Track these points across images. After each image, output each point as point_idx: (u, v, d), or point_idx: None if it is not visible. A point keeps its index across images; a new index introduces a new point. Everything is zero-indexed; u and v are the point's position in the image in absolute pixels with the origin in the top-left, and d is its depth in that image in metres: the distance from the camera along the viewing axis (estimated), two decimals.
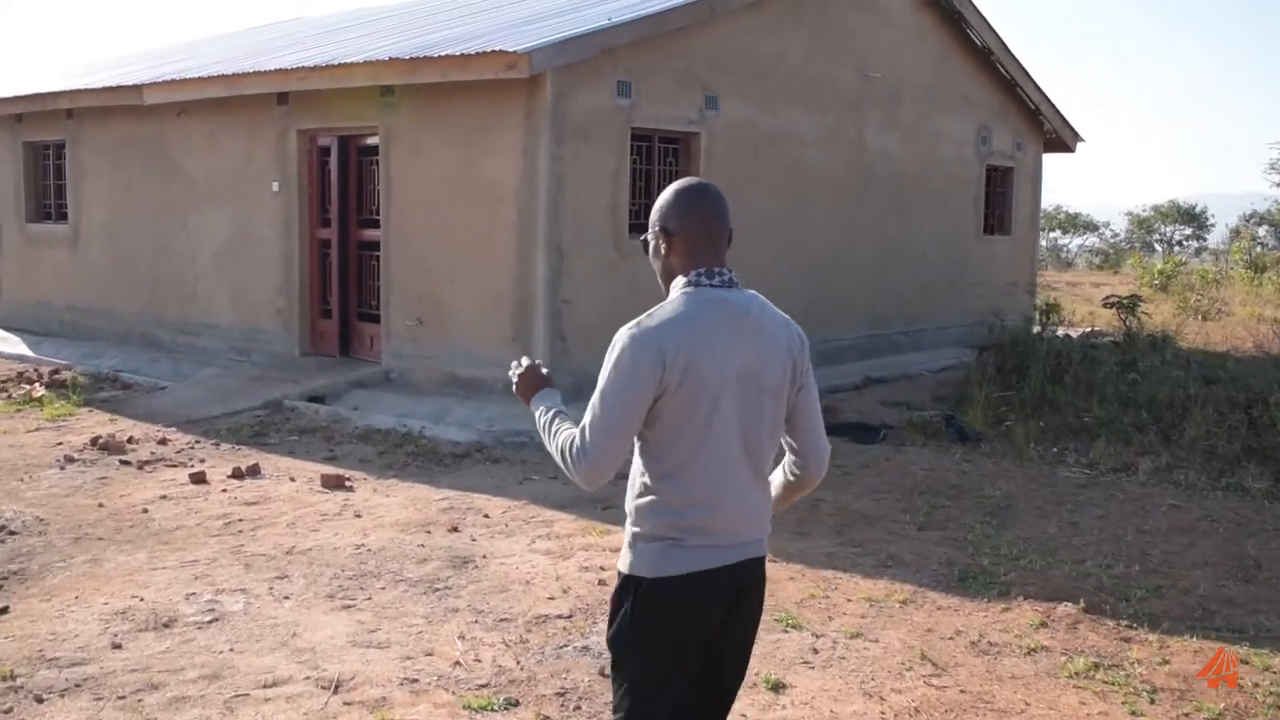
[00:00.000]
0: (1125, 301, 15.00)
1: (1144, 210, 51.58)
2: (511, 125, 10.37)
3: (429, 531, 6.92)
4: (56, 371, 12.88)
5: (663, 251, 2.88)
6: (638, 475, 2.81)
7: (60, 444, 9.30)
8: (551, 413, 2.89)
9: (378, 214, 11.79)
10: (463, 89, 10.55)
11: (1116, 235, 52.25)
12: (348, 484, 8.06)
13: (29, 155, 16.04)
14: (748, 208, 12.12)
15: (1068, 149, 18.98)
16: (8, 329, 16.06)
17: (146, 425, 10.04)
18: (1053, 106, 17.86)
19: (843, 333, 13.99)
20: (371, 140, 11.80)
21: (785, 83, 12.84)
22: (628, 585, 2.77)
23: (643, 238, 2.97)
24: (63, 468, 8.49)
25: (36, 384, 11.64)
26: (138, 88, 13.02)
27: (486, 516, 7.32)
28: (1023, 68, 16.89)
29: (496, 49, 9.74)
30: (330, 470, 8.43)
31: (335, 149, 12.10)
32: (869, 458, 9.09)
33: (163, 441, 9.38)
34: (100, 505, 7.49)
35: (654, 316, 2.74)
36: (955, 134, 16.01)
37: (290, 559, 6.40)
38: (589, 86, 10.51)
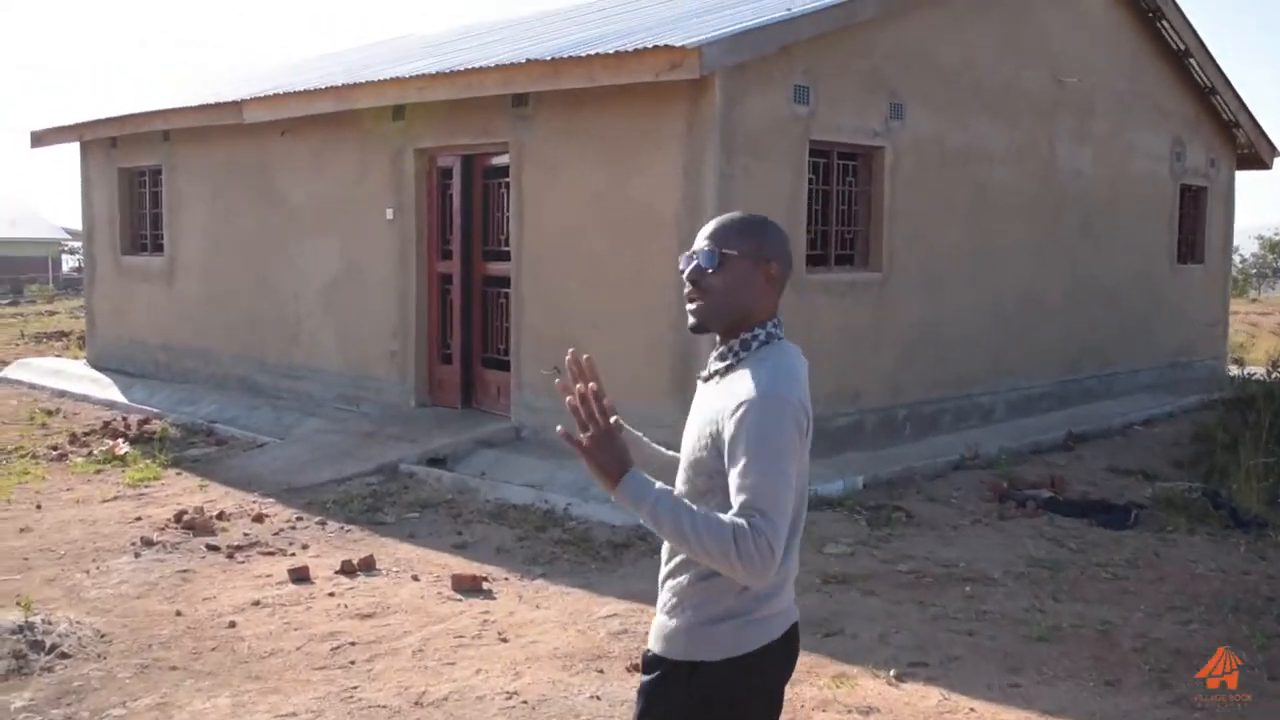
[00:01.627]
0: None
1: None
2: (671, 138, 8.68)
3: (601, 671, 5.19)
4: (146, 421, 11.50)
5: (757, 285, 2.48)
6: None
7: (139, 519, 7.79)
8: (670, 498, 2.28)
9: (506, 245, 10.20)
10: (611, 96, 8.90)
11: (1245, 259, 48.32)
12: (485, 587, 6.38)
13: (124, 182, 14.84)
14: (934, 238, 10.36)
15: (1264, 165, 16.79)
16: (100, 369, 14.83)
17: (241, 494, 8.51)
18: (1250, 117, 15.71)
19: (1033, 380, 12.04)
20: (500, 159, 10.22)
21: (974, 89, 10.98)
22: (682, 674, 2.44)
23: (722, 251, 2.46)
24: (138, 554, 6.96)
25: (120, 440, 10.21)
26: (237, 104, 11.64)
27: None
28: (1222, 73, 14.79)
29: (659, 44, 8.05)
30: (462, 565, 6.77)
31: (458, 170, 10.55)
32: (1132, 551, 7.16)
33: (259, 518, 7.82)
34: (178, 613, 5.91)
35: (782, 371, 2.39)
36: (1149, 149, 13.97)
37: (420, 716, 4.71)
38: (762, 91, 8.79)
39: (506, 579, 6.57)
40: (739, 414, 2.31)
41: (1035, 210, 11.95)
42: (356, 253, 11.34)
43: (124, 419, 11.69)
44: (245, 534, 7.47)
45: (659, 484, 2.30)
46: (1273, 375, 12.88)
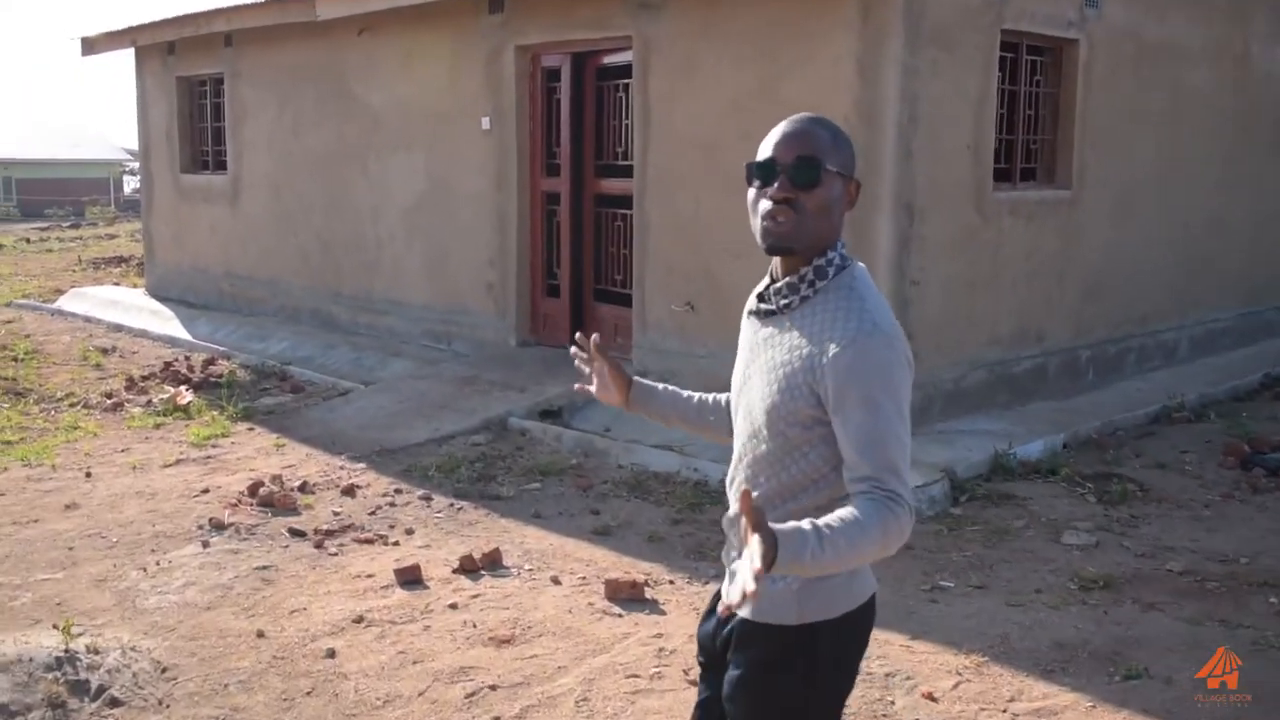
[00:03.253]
0: None
1: None
2: (840, 27, 7.09)
3: None
4: (211, 361, 10.22)
5: (843, 205, 2.16)
6: (810, 504, 2.11)
7: (206, 491, 6.50)
8: (820, 536, 1.85)
9: (626, 159, 8.72)
10: None
11: None
12: (648, 595, 5.00)
13: (184, 92, 13.44)
14: (1125, 150, 8.77)
15: None
16: (160, 299, 13.59)
17: (325, 457, 7.18)
18: None
19: (1217, 313, 10.39)
20: (619, 58, 8.68)
21: None
22: (804, 639, 2.16)
23: (825, 166, 2.11)
24: (206, 543, 5.65)
25: (183, 386, 8.92)
26: None
27: (910, 681, 4.18)
28: None
29: None
30: (610, 560, 5.41)
31: (567, 71, 9.02)
32: None
33: (349, 490, 6.49)
34: (260, 634, 4.59)
35: (878, 300, 2.12)
36: None
37: None
38: None
39: (671, 582, 5.19)
40: (846, 356, 2.02)
41: (1228, 121, 10.20)
42: (447, 168, 9.89)
43: (186, 358, 10.43)
44: (335, 512, 6.14)
45: (800, 524, 1.85)
46: None
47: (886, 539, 1.93)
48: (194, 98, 13.42)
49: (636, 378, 2.60)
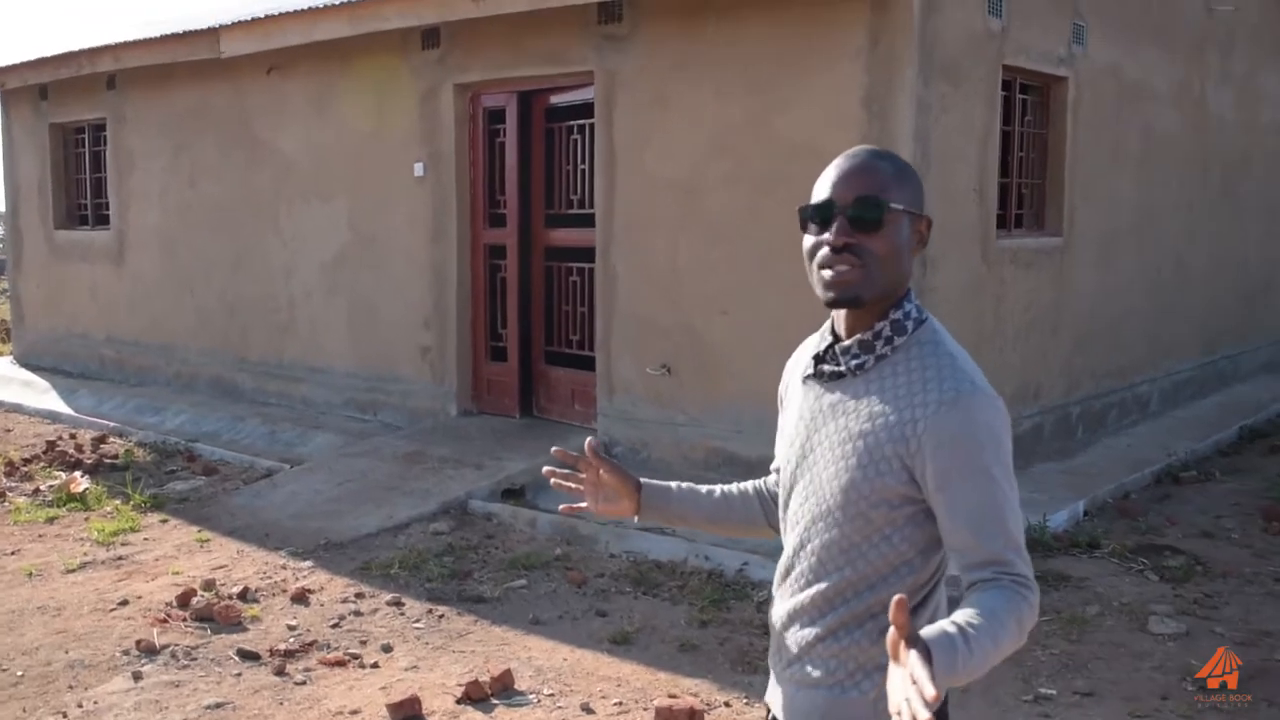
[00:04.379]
0: None
1: None
2: (844, 55, 6.41)
3: None
4: (102, 439, 9.00)
5: (911, 248, 1.87)
6: (890, 596, 1.69)
7: (125, 603, 5.38)
8: (972, 632, 1.60)
9: (582, 207, 7.90)
10: (748, 2, 6.63)
11: None
12: None
13: (58, 141, 12.16)
14: (1108, 199, 8.31)
15: None
16: (32, 367, 12.20)
17: (261, 554, 6.12)
18: None
19: (1181, 363, 9.99)
20: (573, 96, 7.88)
21: (1143, 8, 8.86)
22: None
23: (891, 205, 1.83)
24: (138, 675, 4.57)
25: (77, 472, 7.70)
26: (212, 33, 9.10)
27: None
28: None
29: None
30: (641, 676, 4.51)
31: (513, 111, 8.17)
32: None
33: (301, 596, 5.44)
34: None
35: (968, 359, 1.83)
36: (1273, 94, 11.98)
37: None
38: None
39: (727, 704, 4.30)
40: (950, 422, 1.73)
41: (1189, 162, 9.89)
42: (373, 220, 8.91)
43: (72, 436, 9.17)
44: (290, 626, 5.10)
45: (945, 627, 1.58)
46: None
47: (1022, 631, 1.69)
48: (70, 146, 12.15)
49: (645, 480, 2.17)
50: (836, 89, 6.42)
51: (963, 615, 1.63)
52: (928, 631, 1.56)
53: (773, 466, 2.14)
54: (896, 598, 1.47)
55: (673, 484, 2.20)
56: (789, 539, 1.94)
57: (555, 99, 8.08)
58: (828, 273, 1.83)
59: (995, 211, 7.08)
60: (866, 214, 1.81)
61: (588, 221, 7.82)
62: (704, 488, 2.21)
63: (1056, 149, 7.83)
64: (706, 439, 7.13)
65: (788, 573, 1.94)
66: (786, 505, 1.96)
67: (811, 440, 1.89)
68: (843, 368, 1.87)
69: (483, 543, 6.23)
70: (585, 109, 7.79)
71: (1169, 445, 8.34)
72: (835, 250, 1.82)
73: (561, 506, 2.23)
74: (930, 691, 1.40)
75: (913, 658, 1.45)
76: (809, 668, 1.90)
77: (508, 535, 6.35)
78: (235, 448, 8.56)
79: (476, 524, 6.54)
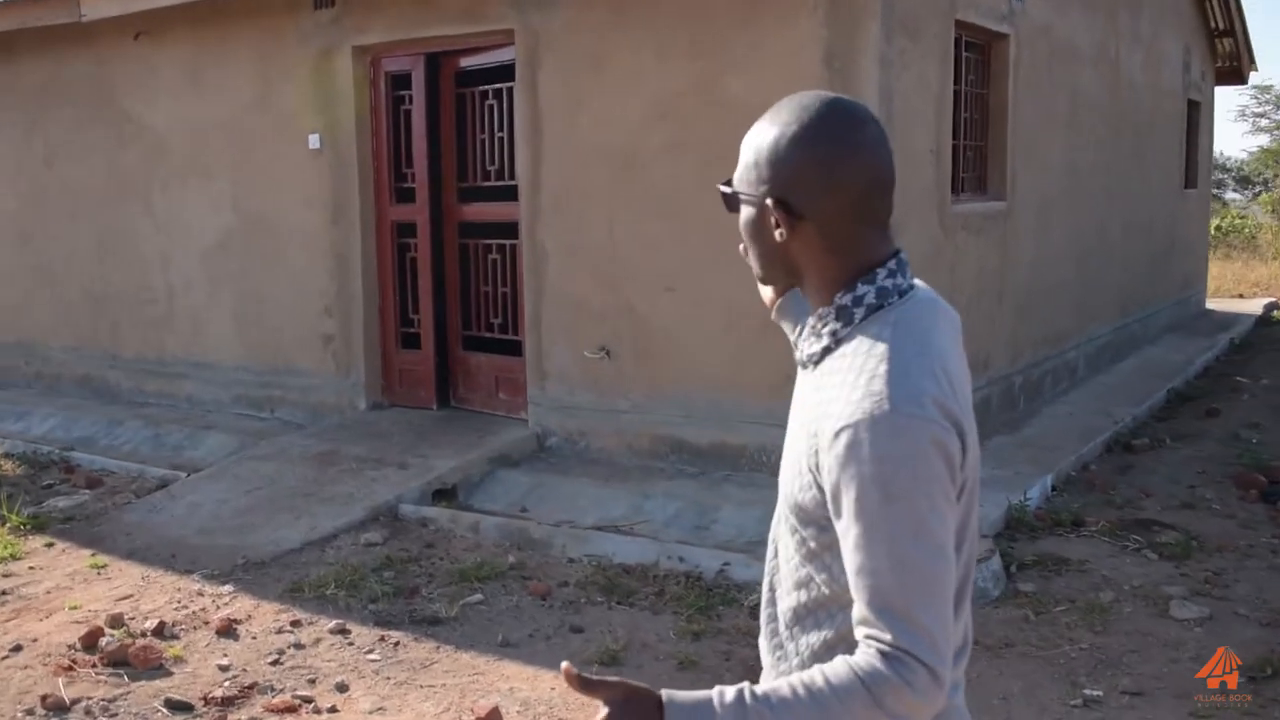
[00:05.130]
0: None
1: None
2: (801, 9, 5.92)
3: None
4: None
5: (780, 236, 1.57)
6: (830, 638, 1.57)
7: (18, 648, 4.60)
8: (761, 708, 1.39)
9: (500, 178, 7.26)
10: None
11: None
12: None
13: None
14: (1042, 162, 8.07)
15: (1240, 80, 15.25)
16: None
17: (170, 578, 5.37)
18: (1244, 24, 14.02)
19: (1101, 326, 9.89)
20: (486, 58, 7.23)
21: None
22: None
23: (730, 196, 1.64)
24: None
25: None
26: None
27: None
28: None
29: None
30: None
31: (420, 76, 7.47)
32: None
33: (227, 629, 4.74)
34: None
35: (906, 358, 1.46)
36: (1171, 57, 12.01)
37: None
38: None
39: None
40: (839, 447, 1.42)
41: (1107, 126, 9.75)
42: (262, 199, 8.10)
43: None
44: (222, 666, 4.40)
45: (725, 692, 1.39)
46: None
47: (867, 712, 1.37)
48: None
49: (667, 694, 1.46)
50: (794, 47, 5.93)
51: (778, 683, 1.41)
52: (683, 695, 1.39)
53: None
54: (563, 665, 1.38)
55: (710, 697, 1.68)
56: (769, 546, 1.70)
57: (466, 61, 7.41)
58: None
59: (949, 173, 6.71)
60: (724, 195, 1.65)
61: (507, 195, 7.20)
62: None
63: (999, 110, 7.50)
64: (652, 426, 6.60)
65: (769, 586, 1.68)
66: None
67: (788, 438, 1.64)
68: (802, 355, 1.62)
69: (423, 553, 5.58)
70: (502, 72, 7.14)
71: (1106, 411, 8.20)
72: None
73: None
74: None
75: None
76: None
77: (449, 543, 5.72)
78: (117, 455, 7.70)
79: (412, 531, 5.89)
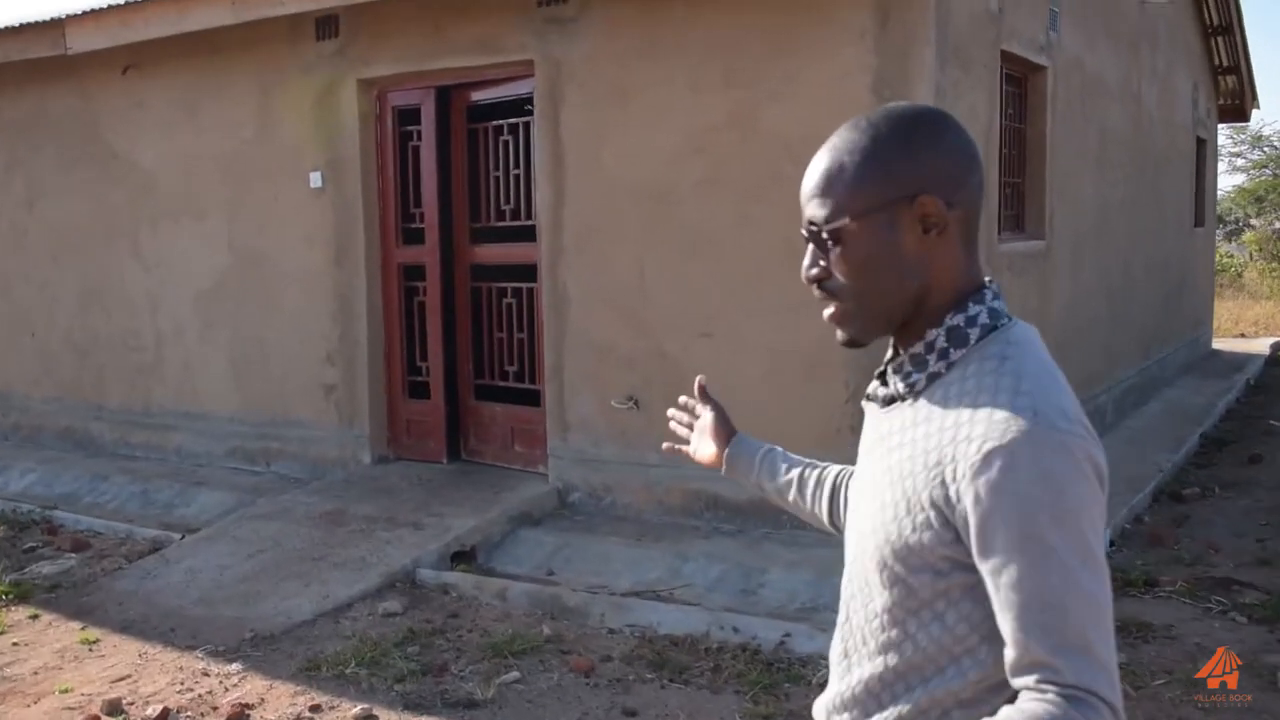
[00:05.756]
0: None
1: None
2: (848, 35, 5.57)
3: None
4: None
5: (910, 245, 1.41)
6: (949, 694, 1.39)
7: None
8: None
9: (516, 218, 6.87)
10: None
11: None
12: None
13: None
14: (1076, 200, 7.77)
15: (1242, 118, 15.11)
16: None
17: (171, 654, 4.88)
18: (1249, 61, 13.85)
19: (1125, 369, 9.54)
20: (504, 91, 6.85)
21: (1096, 2, 8.33)
22: None
23: (832, 224, 1.42)
24: None
25: None
26: (57, 25, 7.72)
27: None
28: (1240, 9, 12.80)
29: None
30: None
31: (430, 110, 7.08)
32: None
33: (239, 716, 4.26)
34: None
35: (1043, 375, 1.37)
36: (1181, 92, 11.78)
37: None
38: None
39: None
40: (990, 467, 1.27)
41: (1131, 161, 9.47)
42: (260, 239, 7.66)
43: None
44: None
45: None
46: None
47: None
48: None
49: (738, 434, 1.95)
50: (839, 75, 5.56)
51: None
52: None
53: None
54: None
55: (763, 447, 1.92)
56: (841, 600, 1.53)
57: (479, 95, 7.02)
58: (824, 313, 1.48)
59: (996, 210, 6.36)
60: (819, 239, 1.44)
61: (523, 235, 6.81)
62: (790, 460, 1.90)
63: (1036, 145, 7.18)
64: (685, 481, 6.17)
65: (843, 653, 1.51)
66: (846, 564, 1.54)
67: (862, 480, 1.51)
68: (897, 388, 1.46)
69: (448, 624, 5.12)
70: (518, 106, 6.78)
71: (1145, 459, 7.83)
72: (813, 287, 1.47)
73: (665, 445, 2.07)
74: None
75: None
76: None
77: (476, 612, 5.26)
78: (103, 513, 7.20)
79: (433, 599, 5.42)
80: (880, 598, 1.42)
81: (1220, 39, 13.08)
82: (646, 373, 6.26)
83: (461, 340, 7.25)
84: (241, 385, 7.86)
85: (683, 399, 2.06)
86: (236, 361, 7.86)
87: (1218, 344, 14.72)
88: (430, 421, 7.28)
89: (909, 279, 1.42)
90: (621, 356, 6.32)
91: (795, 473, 1.87)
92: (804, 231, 1.46)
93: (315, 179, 7.32)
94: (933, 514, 1.34)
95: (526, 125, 6.77)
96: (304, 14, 6.97)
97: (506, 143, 6.91)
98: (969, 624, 1.36)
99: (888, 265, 1.41)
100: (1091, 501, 1.30)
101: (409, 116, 7.19)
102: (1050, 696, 1.23)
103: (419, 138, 7.16)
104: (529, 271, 6.83)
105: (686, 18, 5.95)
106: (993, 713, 1.31)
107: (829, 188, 1.42)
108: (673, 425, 2.06)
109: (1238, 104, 14.42)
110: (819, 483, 1.85)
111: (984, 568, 1.30)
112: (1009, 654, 1.29)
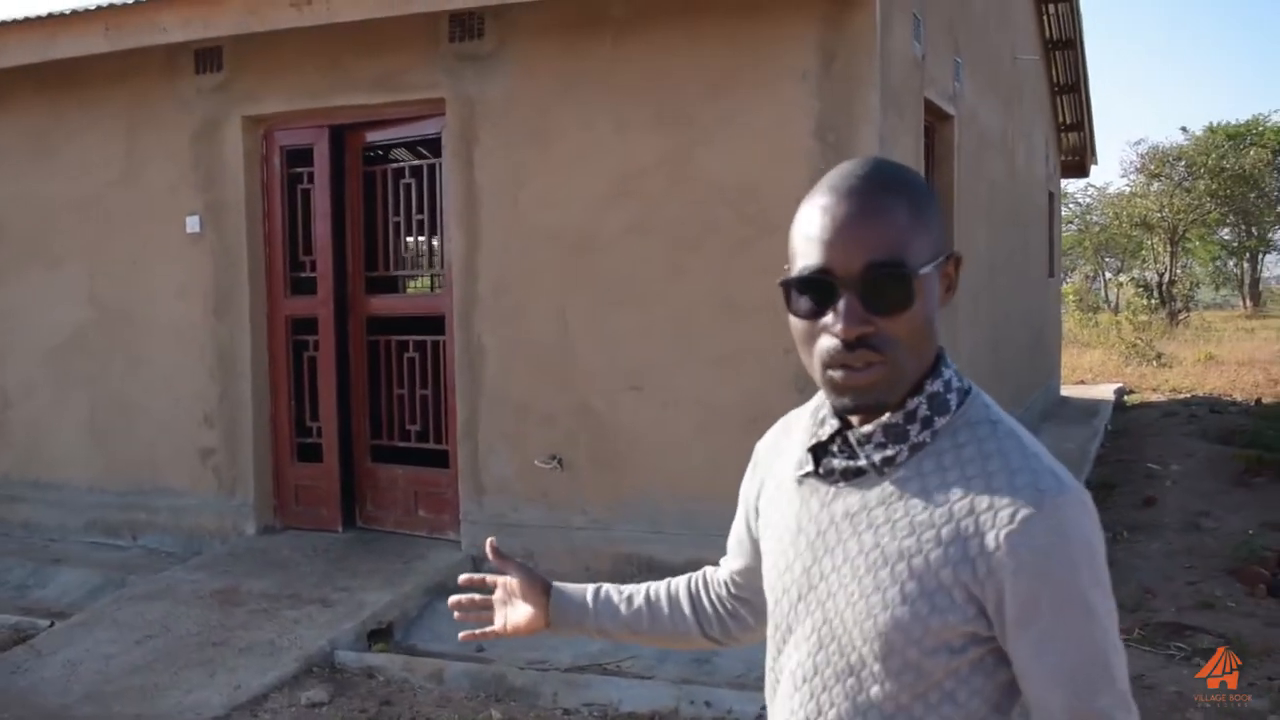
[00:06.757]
0: None
1: None
2: (788, 78, 5.39)
3: None
4: None
5: (940, 299, 1.39)
6: None
7: None
8: None
9: (417, 266, 6.44)
10: (657, 15, 5.53)
11: None
12: None
13: None
14: (973, 249, 7.78)
15: (1081, 173, 15.75)
16: None
17: None
18: (1091, 118, 14.45)
19: None
20: (410, 131, 6.45)
21: (982, 54, 8.46)
22: None
23: (918, 272, 1.31)
24: None
25: None
26: None
27: None
28: (1086, 69, 13.36)
29: None
30: None
31: (324, 151, 6.60)
32: None
33: None
34: None
35: (1031, 438, 1.37)
36: (1038, 147, 12.17)
37: None
38: (901, 18, 5.74)
39: None
40: (1034, 535, 1.25)
41: (1008, 214, 9.64)
42: (126, 290, 7.00)
43: None
44: None
45: None
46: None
47: None
48: None
49: (555, 584, 1.78)
50: (780, 118, 5.37)
51: None
52: None
53: (724, 564, 1.74)
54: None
55: (589, 587, 1.79)
56: (790, 704, 1.42)
57: (376, 135, 6.60)
58: (838, 374, 1.33)
59: None
60: (887, 291, 1.30)
61: (429, 284, 6.38)
62: (626, 590, 1.79)
63: (944, 195, 7.15)
64: (614, 544, 5.82)
65: None
66: (781, 652, 1.45)
67: (822, 565, 1.39)
68: (863, 462, 1.38)
69: (383, 712, 4.62)
70: (423, 146, 6.39)
71: None
72: (848, 345, 1.31)
73: (462, 635, 1.82)
74: None
75: None
76: None
77: (412, 697, 4.77)
78: None
79: (359, 685, 4.90)
80: (878, 687, 1.35)
81: (1066, 96, 13.59)
82: (570, 430, 5.90)
83: (357, 398, 6.74)
84: (102, 450, 7.14)
85: (463, 577, 1.84)
86: (97, 424, 7.14)
87: (1064, 391, 15.20)
88: (323, 487, 6.73)
89: (932, 337, 1.36)
90: (543, 413, 5.95)
91: (644, 596, 1.77)
92: (850, 281, 1.29)
93: (193, 223, 6.73)
94: (956, 591, 1.29)
95: (431, 168, 6.38)
96: (183, 45, 6.42)
97: (408, 186, 6.50)
98: (981, 697, 1.34)
99: (933, 324, 1.35)
100: (1106, 561, 1.32)
101: (299, 157, 6.69)
102: None
103: (310, 180, 6.66)
104: (433, 324, 6.41)
105: (613, 55, 5.69)
106: None
107: (904, 236, 1.30)
108: (459, 616, 1.85)
109: (1079, 160, 15.01)
110: (673, 598, 1.77)
111: (1021, 636, 1.28)
112: (1054, 716, 1.28)
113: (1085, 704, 1.27)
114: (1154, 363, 18.73)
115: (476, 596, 1.82)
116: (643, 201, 5.67)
